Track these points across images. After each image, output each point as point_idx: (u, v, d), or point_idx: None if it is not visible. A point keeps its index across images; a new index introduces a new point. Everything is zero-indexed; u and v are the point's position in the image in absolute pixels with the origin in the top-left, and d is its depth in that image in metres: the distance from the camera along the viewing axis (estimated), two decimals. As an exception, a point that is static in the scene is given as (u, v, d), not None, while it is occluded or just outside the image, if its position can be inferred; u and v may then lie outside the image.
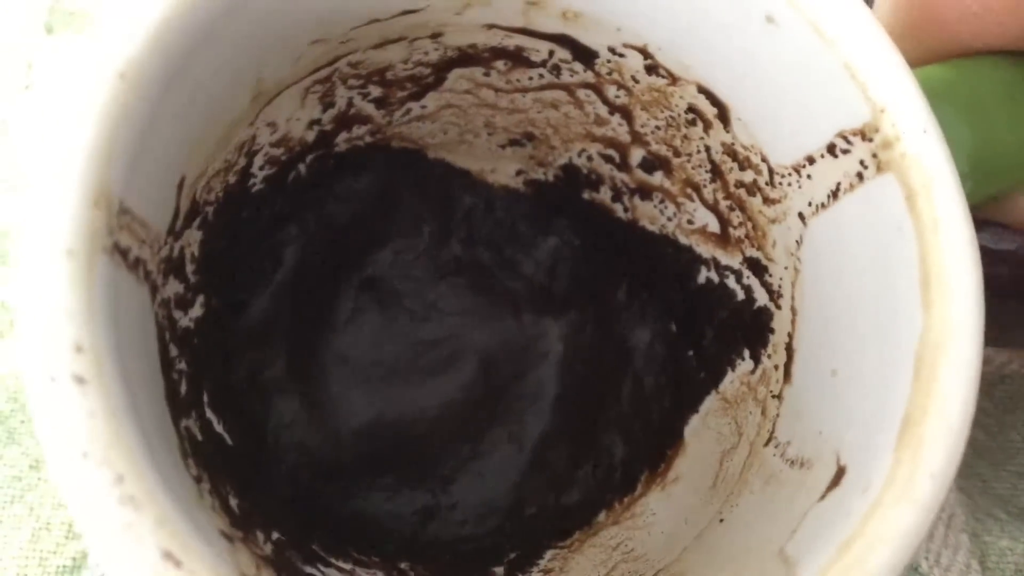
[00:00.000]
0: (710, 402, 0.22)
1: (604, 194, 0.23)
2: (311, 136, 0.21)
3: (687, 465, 0.21)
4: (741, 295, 0.21)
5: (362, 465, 0.23)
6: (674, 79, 0.19)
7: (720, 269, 0.21)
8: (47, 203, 0.13)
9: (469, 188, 0.24)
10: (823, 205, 0.18)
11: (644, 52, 0.19)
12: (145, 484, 0.13)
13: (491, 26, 0.20)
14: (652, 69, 0.19)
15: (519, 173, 0.24)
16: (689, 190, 0.21)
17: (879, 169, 0.16)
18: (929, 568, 0.24)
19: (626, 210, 0.23)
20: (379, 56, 0.20)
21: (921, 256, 0.15)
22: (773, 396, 0.19)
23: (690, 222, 0.22)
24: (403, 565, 0.21)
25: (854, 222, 0.17)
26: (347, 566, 0.20)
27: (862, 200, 0.17)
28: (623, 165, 0.22)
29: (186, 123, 0.16)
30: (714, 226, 0.21)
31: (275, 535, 0.19)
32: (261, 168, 0.21)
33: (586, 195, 0.24)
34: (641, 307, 0.24)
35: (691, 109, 0.19)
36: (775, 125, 0.18)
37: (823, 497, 0.16)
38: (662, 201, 0.22)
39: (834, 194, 0.17)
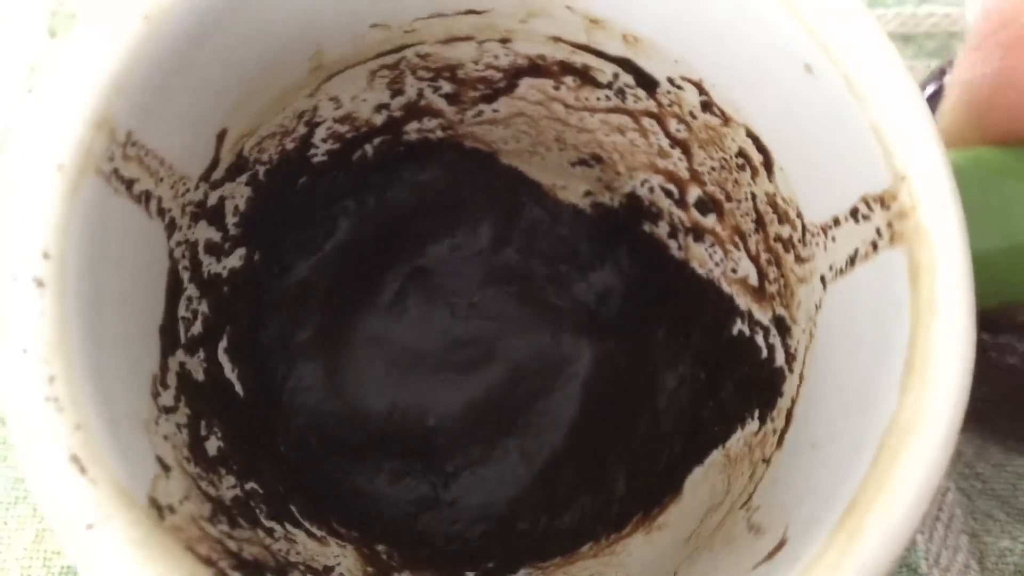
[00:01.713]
0: (715, 456, 0.21)
1: (662, 229, 0.23)
2: (379, 120, 0.22)
3: (677, 514, 0.20)
4: (764, 353, 0.20)
5: (371, 444, 0.23)
6: (726, 119, 0.19)
7: (752, 323, 0.21)
8: (48, 120, 0.14)
9: (538, 200, 0.25)
10: (841, 271, 0.17)
11: (700, 87, 0.19)
12: (73, 389, 0.14)
13: (556, 39, 0.20)
14: (707, 106, 0.19)
15: (587, 194, 0.24)
16: (736, 238, 0.21)
17: (892, 240, 0.15)
18: (928, 568, 0.24)
19: (680, 248, 0.23)
20: (448, 52, 0.20)
21: (911, 338, 0.15)
22: (763, 460, 0.19)
23: (734, 271, 0.21)
24: (380, 547, 0.21)
25: (863, 293, 0.16)
26: (319, 532, 0.20)
27: (874, 271, 0.16)
28: (681, 202, 0.22)
29: (226, 76, 0.17)
30: (753, 278, 0.20)
31: (249, 485, 0.19)
32: (324, 140, 0.21)
33: (646, 227, 0.23)
34: (677, 349, 0.23)
35: (741, 153, 0.19)
36: (809, 180, 0.17)
37: (756, 567, 0.15)
38: (712, 245, 0.22)
39: (852, 260, 0.16)
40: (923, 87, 0.21)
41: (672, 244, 0.23)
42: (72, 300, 0.14)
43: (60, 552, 0.23)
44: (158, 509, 0.14)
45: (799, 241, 0.18)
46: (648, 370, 0.23)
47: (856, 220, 0.16)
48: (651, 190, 0.23)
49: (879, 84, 0.15)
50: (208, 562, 0.14)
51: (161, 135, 0.16)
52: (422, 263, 0.24)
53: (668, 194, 0.22)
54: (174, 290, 0.18)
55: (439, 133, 0.23)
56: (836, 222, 0.17)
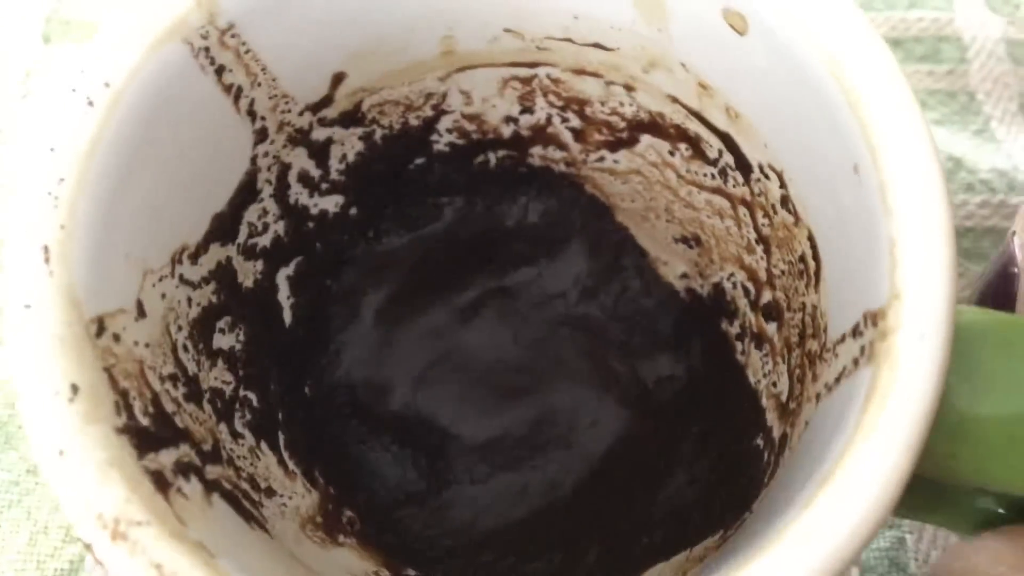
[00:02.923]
0: (681, 556, 0.20)
1: (734, 328, 0.22)
2: (506, 132, 0.23)
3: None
4: (762, 467, 0.19)
5: (390, 424, 0.24)
6: (797, 219, 0.18)
7: (768, 439, 0.20)
8: None
9: (638, 268, 0.25)
10: (829, 388, 0.16)
11: (781, 179, 0.18)
12: (76, 198, 0.16)
13: (674, 99, 0.20)
14: (785, 202, 0.19)
15: (683, 276, 0.24)
16: (785, 351, 0.20)
17: (868, 359, 0.14)
18: (918, 568, 0.23)
19: (742, 353, 0.22)
20: (578, 84, 0.21)
21: (839, 454, 0.14)
22: (700, 560, 0.17)
23: (775, 384, 0.20)
24: (348, 513, 0.22)
25: (834, 409, 0.15)
26: (294, 468, 0.21)
27: (847, 387, 0.15)
28: (755, 304, 0.21)
29: (346, 19, 0.19)
30: (785, 394, 0.20)
31: (247, 393, 0.21)
32: (449, 131, 0.23)
33: (723, 325, 0.23)
34: (700, 449, 0.22)
35: (802, 258, 0.18)
36: (839, 292, 0.17)
37: None
38: (767, 355, 0.21)
39: (838, 378, 0.16)
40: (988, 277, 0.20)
41: (738, 346, 0.22)
42: (114, 128, 0.16)
43: (54, 555, 0.24)
44: (100, 328, 0.15)
45: (819, 358, 0.17)
46: (667, 460, 0.22)
47: (854, 337, 0.15)
48: (734, 286, 0.22)
49: (907, 194, 0.14)
50: (118, 391, 0.15)
51: (268, 42, 0.18)
52: (507, 282, 0.25)
53: (746, 293, 0.22)
54: (246, 193, 0.20)
55: (562, 167, 0.24)
56: (842, 339, 0.16)
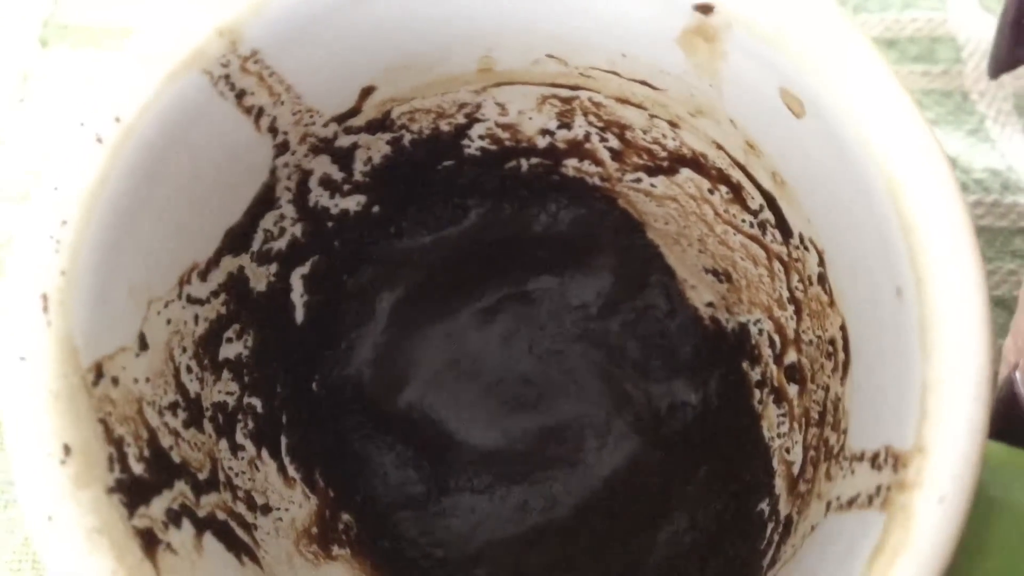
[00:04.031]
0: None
1: (755, 374, 0.22)
2: (541, 143, 0.22)
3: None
4: (763, 546, 0.19)
5: (397, 425, 0.24)
6: (832, 302, 0.17)
7: (774, 509, 0.19)
8: (171, 21, 0.15)
9: (666, 287, 0.24)
10: (841, 506, 0.15)
11: (821, 257, 0.17)
12: (79, 240, 0.15)
13: (719, 146, 0.19)
14: (822, 280, 0.18)
15: (710, 305, 0.23)
16: (803, 420, 0.19)
17: (882, 506, 0.14)
18: None
19: (760, 403, 0.21)
20: (620, 111, 0.20)
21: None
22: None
23: (787, 450, 0.20)
24: (345, 517, 0.22)
25: (842, 537, 0.15)
26: (294, 474, 0.21)
27: (857, 522, 0.14)
28: (779, 359, 0.21)
29: (378, 40, 0.18)
30: (796, 468, 0.19)
31: (251, 400, 0.20)
32: (481, 137, 0.22)
33: (745, 366, 0.22)
34: (704, 495, 0.22)
35: (832, 342, 0.18)
36: (863, 405, 0.16)
37: None
38: (784, 414, 0.20)
39: (851, 502, 0.15)
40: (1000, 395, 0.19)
41: (757, 394, 0.22)
42: (122, 165, 0.15)
43: None
44: (98, 375, 0.15)
45: (835, 457, 0.17)
46: (669, 498, 0.22)
47: (873, 466, 0.15)
48: (760, 332, 0.21)
49: (948, 347, 0.13)
50: (113, 442, 0.15)
51: (294, 65, 0.17)
52: (528, 289, 0.24)
53: (771, 344, 0.21)
54: (263, 203, 0.19)
55: (596, 180, 0.23)
56: (861, 457, 0.15)
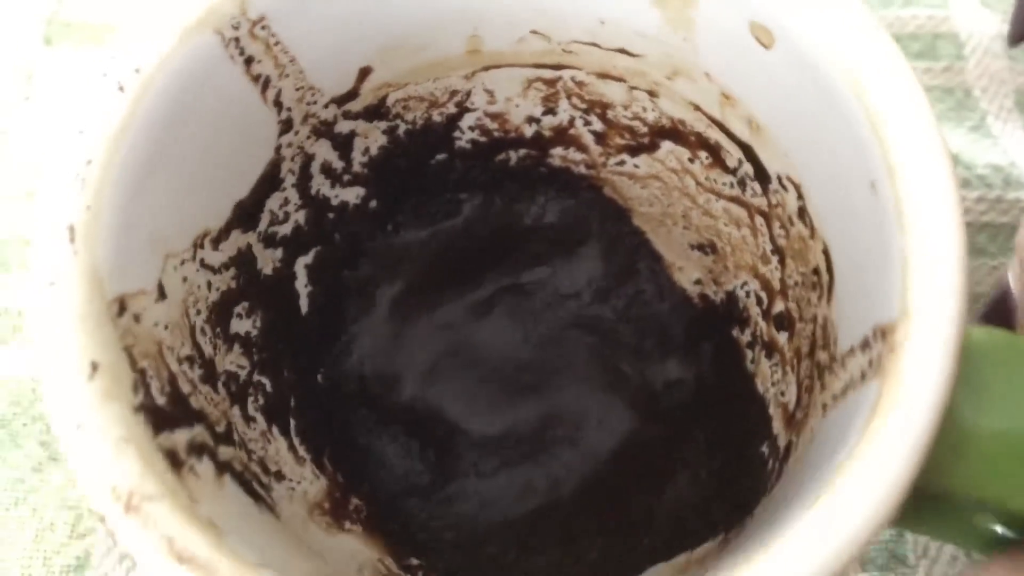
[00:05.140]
0: (681, 558, 0.20)
1: (745, 337, 0.23)
2: (528, 131, 0.23)
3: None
4: (766, 474, 0.19)
5: (400, 415, 0.24)
6: (813, 232, 0.18)
7: (773, 447, 0.20)
8: None
9: (653, 272, 0.25)
10: (836, 398, 0.16)
11: (799, 192, 0.19)
12: (103, 180, 0.16)
13: (696, 107, 0.20)
14: (802, 214, 0.19)
15: (698, 283, 0.24)
16: (795, 360, 0.20)
17: (875, 373, 0.14)
18: (916, 560, 0.24)
19: (752, 362, 0.22)
20: (602, 88, 0.22)
21: (837, 468, 0.14)
22: (699, 563, 0.18)
23: (783, 394, 0.20)
24: (354, 500, 0.22)
25: (840, 421, 0.15)
26: (304, 454, 0.21)
27: (854, 400, 0.15)
28: (767, 314, 0.22)
29: (373, 15, 0.19)
30: (792, 404, 0.20)
31: (260, 378, 0.21)
32: (471, 128, 0.23)
33: (735, 333, 0.23)
34: (705, 454, 0.22)
35: (816, 271, 0.19)
36: (849, 306, 0.17)
37: None
38: (776, 364, 0.21)
39: (845, 390, 0.16)
40: (992, 303, 0.20)
41: (748, 355, 0.22)
42: (143, 113, 0.16)
43: (60, 552, 0.24)
44: (121, 308, 0.16)
45: (827, 369, 0.17)
46: (672, 464, 0.23)
47: (863, 350, 0.15)
48: (747, 295, 0.22)
49: (922, 213, 0.14)
50: (137, 370, 0.16)
51: (297, 34, 0.18)
52: (522, 280, 0.25)
53: (759, 302, 0.22)
54: (269, 181, 0.20)
55: (582, 169, 0.24)
56: (851, 351, 0.16)
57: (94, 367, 0.15)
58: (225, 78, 0.18)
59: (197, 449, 0.16)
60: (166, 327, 0.17)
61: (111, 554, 0.24)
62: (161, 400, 0.16)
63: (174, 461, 0.15)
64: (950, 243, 0.14)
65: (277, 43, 0.18)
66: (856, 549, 0.13)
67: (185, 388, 0.17)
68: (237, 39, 0.17)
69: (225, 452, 0.18)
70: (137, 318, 0.16)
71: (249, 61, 0.18)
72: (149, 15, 0.16)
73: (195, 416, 0.17)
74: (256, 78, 0.18)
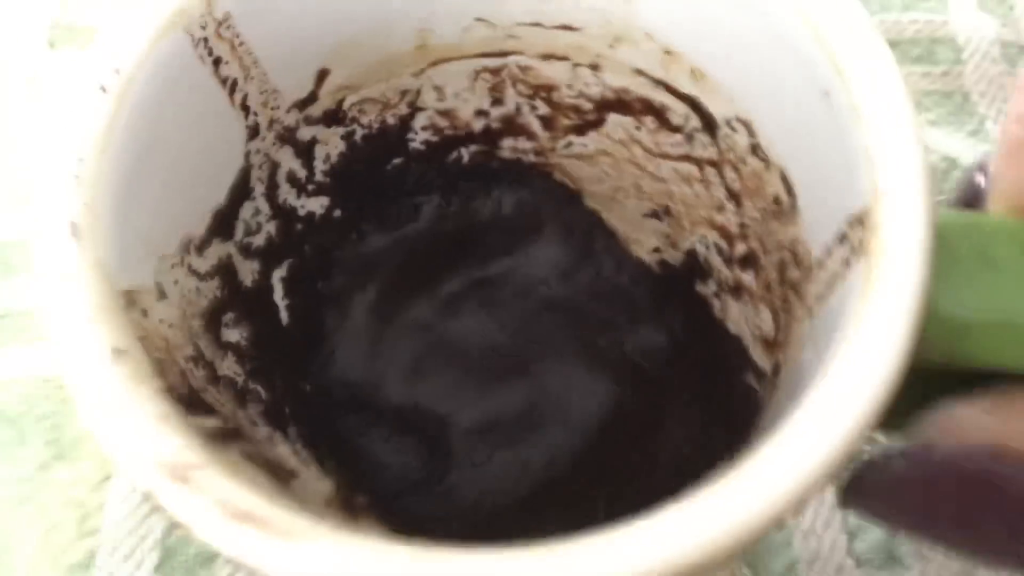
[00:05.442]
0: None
1: (710, 287, 0.24)
2: (478, 126, 0.24)
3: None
4: (757, 398, 0.20)
5: (390, 417, 0.24)
6: (768, 163, 0.20)
7: (758, 375, 0.21)
8: None
9: (611, 249, 0.26)
10: (821, 297, 0.17)
11: (749, 129, 0.20)
12: (97, 177, 0.16)
13: (639, 72, 0.22)
14: (755, 150, 0.20)
15: (655, 251, 0.25)
16: (766, 292, 0.21)
17: (859, 255, 0.16)
18: (912, 560, 0.24)
19: (720, 308, 0.23)
20: (545, 70, 0.23)
21: (843, 334, 0.15)
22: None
23: (759, 327, 0.22)
24: (360, 498, 0.22)
25: (833, 311, 0.16)
26: (305, 455, 0.21)
27: (842, 287, 0.16)
28: (729, 259, 0.23)
29: (329, 12, 0.20)
30: (770, 332, 0.21)
31: (255, 386, 0.21)
32: (424, 128, 0.24)
33: (698, 287, 0.24)
34: (691, 405, 0.23)
35: (776, 199, 0.20)
36: (818, 214, 0.18)
37: None
38: (746, 303, 0.22)
39: (831, 284, 0.17)
40: (965, 184, 0.21)
41: (716, 304, 0.23)
42: (127, 113, 0.17)
43: (66, 550, 0.24)
44: (130, 301, 0.16)
45: (802, 280, 0.19)
46: (661, 418, 0.23)
47: (840, 243, 0.16)
48: (707, 247, 0.23)
49: (878, 104, 0.16)
50: (153, 360, 0.16)
51: (259, 34, 0.19)
52: (488, 273, 0.26)
53: (719, 251, 0.23)
54: (241, 190, 0.21)
55: (532, 157, 0.25)
56: (828, 252, 0.17)
57: (117, 353, 0.15)
58: (197, 79, 0.18)
59: (221, 434, 0.16)
60: (170, 325, 0.17)
61: (117, 552, 0.24)
62: (182, 389, 0.16)
63: (208, 438, 0.15)
64: (906, 125, 0.16)
65: (241, 43, 0.19)
66: (873, 411, 0.14)
67: (196, 384, 0.17)
68: (205, 39, 0.18)
69: (244, 446, 0.18)
70: (145, 313, 0.16)
71: (217, 62, 0.18)
72: (125, 16, 0.17)
73: (210, 409, 0.17)
74: (224, 80, 0.19)
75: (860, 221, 0.16)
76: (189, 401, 0.16)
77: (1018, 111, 0.17)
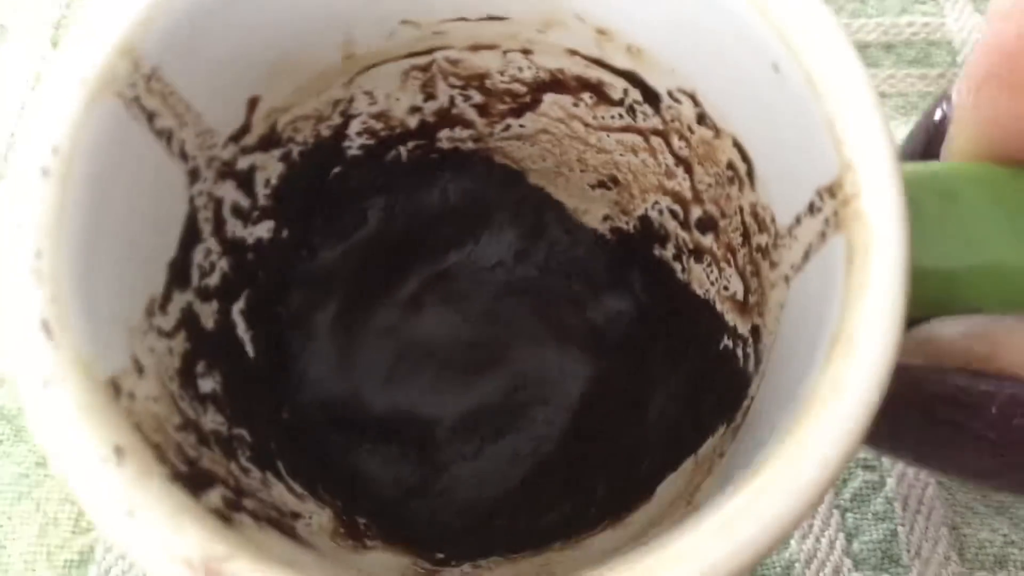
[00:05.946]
0: (688, 463, 0.21)
1: (669, 251, 0.24)
2: (413, 122, 0.24)
3: (644, 513, 0.21)
4: (741, 363, 0.20)
5: (372, 428, 0.24)
6: (717, 131, 0.20)
7: (736, 337, 0.21)
8: (79, 45, 0.16)
9: (561, 222, 0.26)
10: (798, 267, 0.17)
11: (694, 99, 0.20)
12: (57, 269, 0.15)
13: (572, 52, 0.21)
14: (702, 119, 0.20)
15: (606, 219, 0.25)
16: (729, 255, 0.21)
17: (836, 228, 0.16)
18: (910, 560, 0.25)
19: (683, 271, 0.24)
20: (476, 60, 0.22)
21: (841, 314, 0.15)
22: (720, 455, 0.19)
23: (726, 288, 0.22)
24: (361, 520, 0.22)
25: (813, 283, 0.17)
26: (301, 491, 0.21)
27: (821, 260, 0.16)
28: (685, 223, 0.23)
29: (254, 40, 0.19)
30: (740, 293, 0.21)
31: (238, 431, 0.21)
32: (359, 134, 0.23)
33: (656, 251, 0.24)
34: (670, 368, 0.24)
35: (730, 165, 0.20)
36: (780, 181, 0.18)
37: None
38: (709, 264, 0.22)
39: (807, 254, 0.17)
40: (927, 116, 0.22)
41: (677, 267, 0.24)
42: (73, 195, 0.16)
43: (63, 546, 0.24)
44: (116, 389, 0.15)
45: (772, 247, 0.19)
46: (642, 387, 0.24)
47: (812, 214, 0.17)
48: (660, 212, 0.24)
49: (834, 78, 0.16)
50: (152, 446, 0.15)
51: (187, 80, 0.18)
52: (444, 267, 0.26)
53: (674, 215, 0.23)
54: (191, 235, 0.20)
55: (471, 144, 0.25)
56: (798, 220, 0.17)
57: (119, 452, 0.14)
58: (134, 140, 0.17)
59: (231, 505, 0.16)
60: (155, 400, 0.17)
61: (114, 549, 0.24)
62: (183, 468, 0.16)
63: (223, 518, 0.15)
64: (867, 98, 0.16)
65: (172, 92, 0.18)
66: (884, 387, 0.14)
67: (192, 454, 0.17)
68: (137, 97, 0.17)
69: (249, 503, 0.18)
70: (132, 396, 0.16)
71: (151, 117, 0.18)
72: (52, 83, 0.16)
73: (210, 479, 0.17)
74: (160, 133, 0.18)
75: (831, 193, 0.16)
76: (192, 479, 0.15)
77: (987, 44, 0.18)
